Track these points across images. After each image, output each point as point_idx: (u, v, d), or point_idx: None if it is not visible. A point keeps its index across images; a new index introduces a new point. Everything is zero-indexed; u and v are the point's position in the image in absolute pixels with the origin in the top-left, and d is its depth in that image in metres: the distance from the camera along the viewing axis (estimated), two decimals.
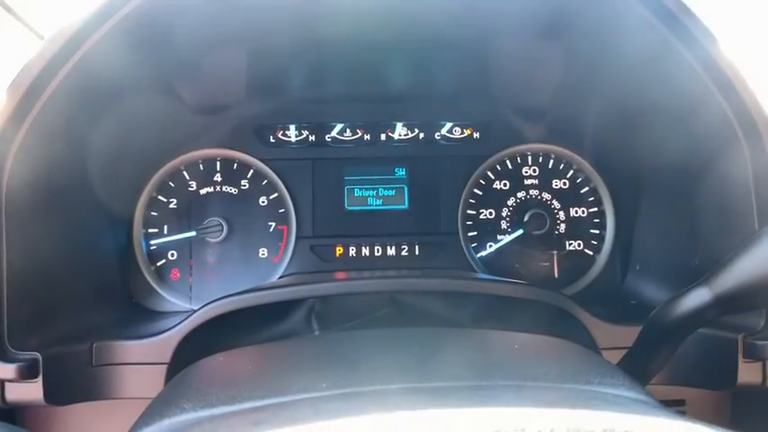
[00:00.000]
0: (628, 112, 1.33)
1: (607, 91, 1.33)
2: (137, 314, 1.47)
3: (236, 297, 1.14)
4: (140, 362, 1.13)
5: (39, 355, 0.99)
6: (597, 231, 1.60)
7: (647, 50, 1.10)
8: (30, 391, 1.00)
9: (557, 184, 1.61)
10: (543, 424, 0.41)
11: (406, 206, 1.62)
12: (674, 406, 1.26)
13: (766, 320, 1.01)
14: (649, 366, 0.95)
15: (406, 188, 1.62)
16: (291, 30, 1.21)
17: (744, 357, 1.03)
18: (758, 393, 1.07)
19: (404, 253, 1.60)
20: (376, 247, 1.60)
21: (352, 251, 1.59)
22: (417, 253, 1.60)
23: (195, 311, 1.15)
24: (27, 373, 0.98)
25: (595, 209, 1.61)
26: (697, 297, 0.84)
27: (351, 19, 1.17)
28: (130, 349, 1.13)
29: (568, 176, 1.62)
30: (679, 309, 0.86)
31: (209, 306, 1.14)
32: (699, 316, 0.84)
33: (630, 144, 1.41)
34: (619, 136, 1.44)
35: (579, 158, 1.61)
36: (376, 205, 1.61)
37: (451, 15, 1.18)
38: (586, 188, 1.61)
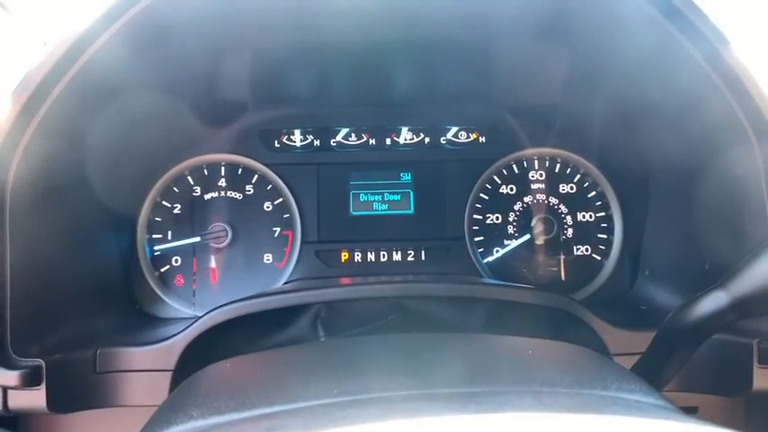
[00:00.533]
0: (633, 112, 1.32)
1: (612, 91, 1.32)
2: (140, 320, 1.45)
3: (241, 303, 1.13)
4: (144, 369, 1.11)
5: (42, 362, 0.98)
6: (605, 236, 1.58)
7: (652, 48, 1.09)
8: (33, 399, 0.98)
9: (563, 188, 1.60)
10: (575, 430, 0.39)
11: (411, 211, 1.60)
12: (687, 413, 1.24)
13: None
14: (664, 372, 0.93)
15: (411, 193, 1.60)
16: (295, 34, 1.21)
17: (759, 363, 1.01)
18: None
19: (410, 258, 1.58)
20: (381, 253, 1.58)
21: (358, 256, 1.58)
22: (423, 258, 1.59)
23: (200, 318, 1.13)
24: (30, 381, 0.96)
25: (603, 213, 1.59)
26: (714, 301, 0.82)
27: (353, 21, 1.16)
28: (134, 356, 1.12)
29: (575, 180, 1.60)
30: (695, 313, 0.84)
31: (214, 312, 1.12)
32: (716, 320, 0.83)
33: (637, 145, 1.40)
34: (625, 137, 1.43)
35: (586, 162, 1.60)
36: (381, 210, 1.60)
37: (454, 16, 1.17)
38: (593, 192, 1.60)
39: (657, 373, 0.93)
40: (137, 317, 1.47)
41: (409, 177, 1.61)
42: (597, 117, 1.46)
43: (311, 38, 1.22)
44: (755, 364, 1.01)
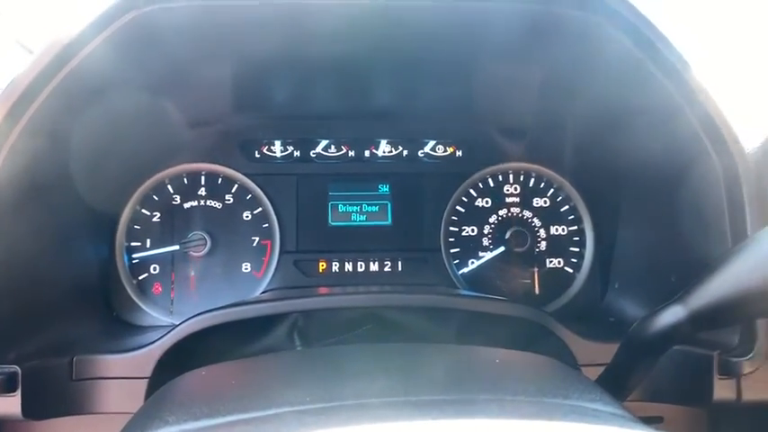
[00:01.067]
0: (604, 129, 1.37)
1: (584, 108, 1.37)
2: (118, 328, 1.46)
3: (217, 312, 1.14)
4: (121, 376, 1.12)
5: (18, 369, 0.98)
6: (577, 249, 1.62)
7: (619, 69, 1.14)
8: (7, 405, 0.98)
9: (537, 202, 1.64)
10: None
11: (389, 222, 1.63)
12: (652, 423, 1.27)
13: (740, 338, 1.04)
14: (627, 382, 0.97)
15: (389, 204, 1.63)
16: (279, 47, 1.23)
17: (719, 374, 1.05)
18: (733, 410, 1.09)
19: (387, 269, 1.61)
20: (359, 263, 1.60)
21: (336, 267, 1.60)
22: (400, 269, 1.62)
23: (177, 326, 1.15)
24: (5, 387, 0.97)
25: (575, 227, 1.63)
26: (672, 314, 0.86)
27: (338, 38, 1.19)
28: (111, 363, 1.12)
29: (549, 195, 1.64)
30: (655, 326, 0.88)
31: (191, 321, 1.14)
32: (674, 333, 0.87)
33: (608, 161, 1.45)
34: (597, 153, 1.48)
35: (559, 177, 1.64)
36: (359, 221, 1.62)
37: (435, 37, 1.20)
38: (566, 207, 1.64)
39: (621, 384, 0.97)
40: (114, 324, 1.48)
41: (387, 189, 1.64)
42: (570, 133, 1.51)
43: (294, 51, 1.25)
44: (716, 376, 1.05)
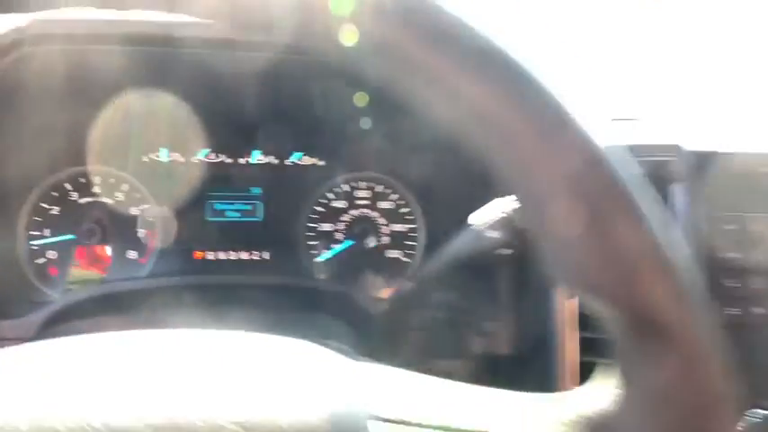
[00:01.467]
0: (431, 155, 1.73)
1: (412, 134, 1.72)
2: (16, 303, 1.71)
3: (94, 287, 1.44)
4: (8, 338, 1.40)
5: None
6: (414, 243, 1.98)
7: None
8: None
9: (382, 204, 1.98)
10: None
11: (260, 218, 1.94)
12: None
13: (487, 305, 1.41)
14: (394, 344, 1.32)
15: (260, 204, 1.94)
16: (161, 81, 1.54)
17: (476, 334, 1.42)
18: (500, 361, 1.45)
19: (254, 257, 1.92)
20: (231, 253, 1.91)
21: (211, 256, 1.90)
22: (268, 258, 1.93)
23: (59, 299, 1.44)
24: None
25: (413, 225, 1.98)
26: (405, 285, 1.23)
27: (216, 74, 1.50)
28: (2, 327, 1.40)
29: (391, 198, 1.99)
30: (398, 297, 1.24)
31: (70, 295, 1.43)
32: (408, 301, 1.23)
33: (432, 175, 1.81)
34: (427, 168, 1.83)
35: (401, 185, 1.99)
36: (233, 217, 1.93)
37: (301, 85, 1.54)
38: (406, 209, 1.99)
39: (390, 345, 1.32)
40: (14, 300, 1.73)
41: (259, 191, 1.95)
42: (407, 151, 1.86)
43: (176, 82, 1.56)
44: (473, 336, 1.42)
